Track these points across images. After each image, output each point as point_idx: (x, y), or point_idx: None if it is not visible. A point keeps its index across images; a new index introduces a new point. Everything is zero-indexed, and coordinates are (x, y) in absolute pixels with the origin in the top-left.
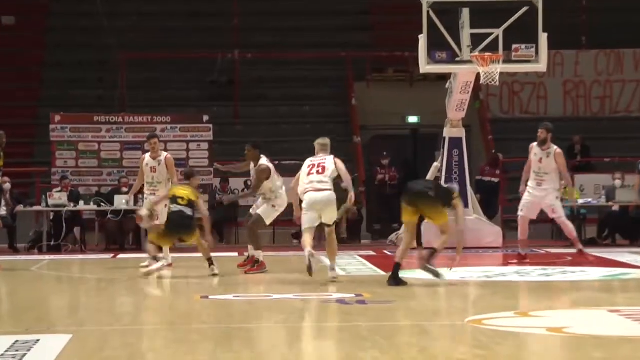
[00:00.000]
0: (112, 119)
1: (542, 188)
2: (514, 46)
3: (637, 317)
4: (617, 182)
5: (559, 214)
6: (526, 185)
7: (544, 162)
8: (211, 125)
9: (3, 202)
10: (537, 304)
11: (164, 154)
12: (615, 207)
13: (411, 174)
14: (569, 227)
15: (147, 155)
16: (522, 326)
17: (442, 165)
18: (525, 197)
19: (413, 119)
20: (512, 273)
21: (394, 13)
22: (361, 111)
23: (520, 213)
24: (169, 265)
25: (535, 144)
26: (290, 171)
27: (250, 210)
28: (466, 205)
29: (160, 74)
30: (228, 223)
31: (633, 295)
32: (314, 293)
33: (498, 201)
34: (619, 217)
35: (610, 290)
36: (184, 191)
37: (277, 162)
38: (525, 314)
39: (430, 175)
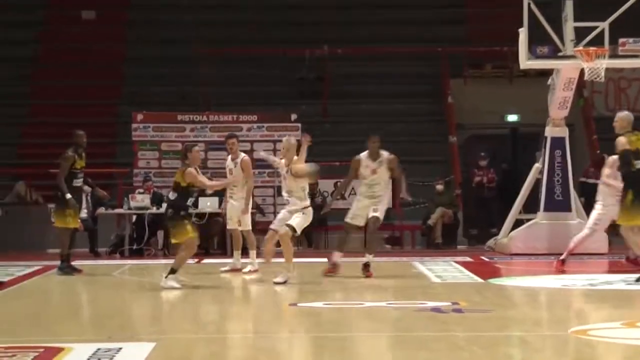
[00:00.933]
0: (197, 117)
1: None
2: (621, 40)
3: None
4: None
5: None
6: None
7: None
8: (299, 124)
9: (84, 205)
10: None
11: (242, 155)
12: None
13: (510, 176)
14: None
15: (229, 157)
16: (630, 337)
17: (543, 167)
18: None
19: (512, 118)
20: (619, 281)
21: (492, 6)
22: (457, 109)
23: None
24: (255, 270)
25: None
26: None
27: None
28: (569, 209)
29: (245, 70)
30: (317, 228)
31: None
32: (408, 301)
33: None
34: None
35: None
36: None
37: None
38: (633, 325)
39: (530, 178)
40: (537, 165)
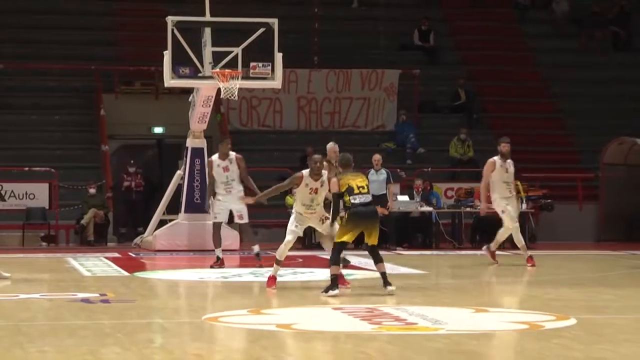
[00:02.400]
0: None
1: None
2: (252, 64)
3: (358, 314)
4: None
5: None
6: None
7: None
8: None
9: None
10: (269, 303)
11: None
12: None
13: (156, 181)
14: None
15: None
16: (255, 323)
17: (184, 173)
18: None
19: (158, 130)
20: (248, 274)
21: (141, 29)
22: (109, 121)
23: None
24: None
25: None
26: (43, 177)
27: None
28: (206, 211)
29: None
30: None
31: (355, 294)
32: (60, 293)
33: None
34: None
35: None
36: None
37: (27, 169)
38: (257, 312)
39: (173, 183)
40: (179, 172)
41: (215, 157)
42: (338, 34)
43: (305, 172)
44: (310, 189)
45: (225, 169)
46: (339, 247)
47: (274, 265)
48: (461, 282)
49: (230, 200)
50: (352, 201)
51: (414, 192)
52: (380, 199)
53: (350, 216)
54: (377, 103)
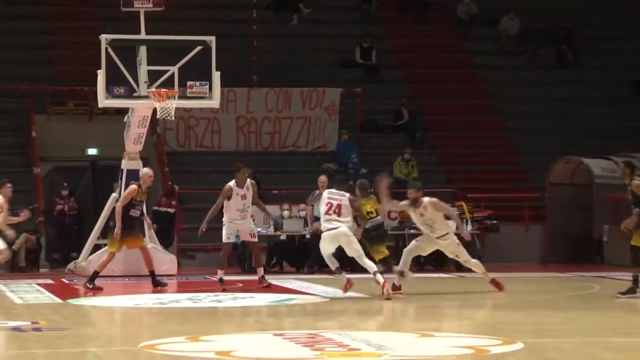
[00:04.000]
0: None
1: None
2: (189, 83)
3: (300, 340)
4: (285, 213)
5: None
6: None
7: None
8: None
9: None
10: (207, 329)
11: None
12: (283, 237)
13: (90, 204)
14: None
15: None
16: (193, 350)
17: (119, 196)
18: None
19: (92, 151)
20: (185, 299)
21: (75, 48)
22: (41, 143)
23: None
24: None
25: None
26: None
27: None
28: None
29: None
30: None
31: (297, 319)
32: None
33: (174, 230)
34: (287, 245)
35: (276, 315)
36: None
37: None
38: (196, 339)
39: (108, 206)
40: (114, 195)
41: (232, 184)
42: (277, 52)
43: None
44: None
45: (243, 196)
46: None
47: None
48: (405, 305)
49: (244, 222)
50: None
51: None
52: None
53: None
54: (318, 122)
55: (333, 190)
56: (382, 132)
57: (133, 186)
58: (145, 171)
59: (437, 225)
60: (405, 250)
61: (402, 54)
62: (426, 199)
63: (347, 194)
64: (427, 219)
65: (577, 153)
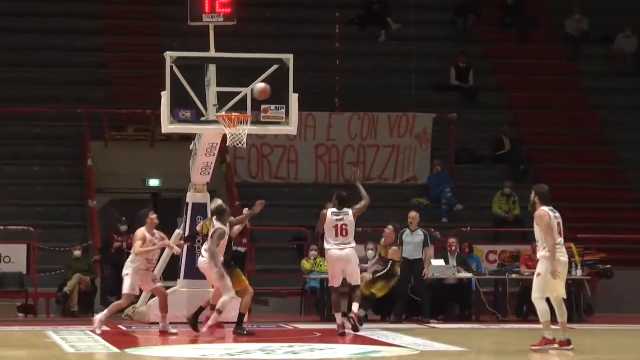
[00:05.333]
0: None
1: None
2: (263, 107)
3: None
4: (370, 253)
5: None
6: None
7: None
8: None
9: None
10: None
11: None
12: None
13: None
14: None
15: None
16: None
17: (184, 233)
18: None
19: (154, 182)
20: (257, 350)
21: (134, 67)
22: (98, 173)
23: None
24: None
25: None
26: (21, 238)
27: None
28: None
29: None
30: None
31: None
32: None
33: (245, 272)
34: None
35: None
36: None
37: (2, 227)
38: None
39: (173, 242)
40: (178, 232)
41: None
42: (363, 72)
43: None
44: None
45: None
46: None
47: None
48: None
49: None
50: None
51: (448, 254)
52: (415, 265)
53: None
54: (407, 152)
55: None
56: (480, 164)
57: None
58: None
59: None
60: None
61: (503, 76)
62: None
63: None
64: None
65: None
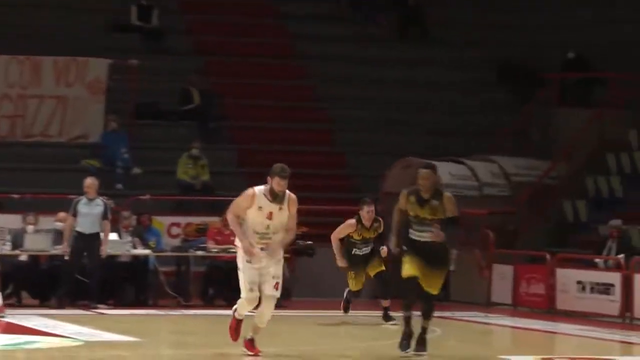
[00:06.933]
0: None
1: None
2: None
3: None
4: (30, 227)
5: None
6: None
7: None
8: None
9: None
10: None
11: None
12: (24, 257)
13: None
14: None
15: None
16: None
17: None
18: None
19: None
20: None
21: None
22: None
23: None
24: None
25: None
26: None
27: None
28: None
29: None
30: None
31: None
32: None
33: None
34: (28, 269)
35: None
36: None
37: None
38: None
39: None
40: None
41: None
42: (27, 10)
43: None
44: None
45: None
46: None
47: None
48: (191, 352)
49: None
50: None
51: (120, 228)
52: (92, 240)
53: None
54: (77, 104)
55: None
56: (163, 119)
57: None
58: None
59: None
60: None
61: (192, 15)
62: None
63: None
64: None
65: (420, 154)
